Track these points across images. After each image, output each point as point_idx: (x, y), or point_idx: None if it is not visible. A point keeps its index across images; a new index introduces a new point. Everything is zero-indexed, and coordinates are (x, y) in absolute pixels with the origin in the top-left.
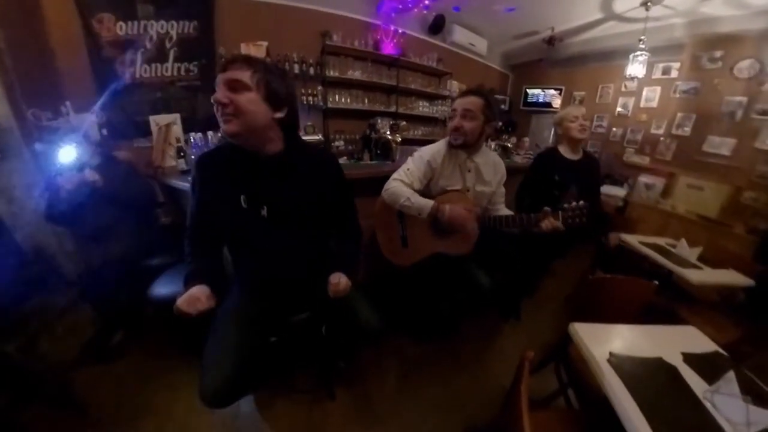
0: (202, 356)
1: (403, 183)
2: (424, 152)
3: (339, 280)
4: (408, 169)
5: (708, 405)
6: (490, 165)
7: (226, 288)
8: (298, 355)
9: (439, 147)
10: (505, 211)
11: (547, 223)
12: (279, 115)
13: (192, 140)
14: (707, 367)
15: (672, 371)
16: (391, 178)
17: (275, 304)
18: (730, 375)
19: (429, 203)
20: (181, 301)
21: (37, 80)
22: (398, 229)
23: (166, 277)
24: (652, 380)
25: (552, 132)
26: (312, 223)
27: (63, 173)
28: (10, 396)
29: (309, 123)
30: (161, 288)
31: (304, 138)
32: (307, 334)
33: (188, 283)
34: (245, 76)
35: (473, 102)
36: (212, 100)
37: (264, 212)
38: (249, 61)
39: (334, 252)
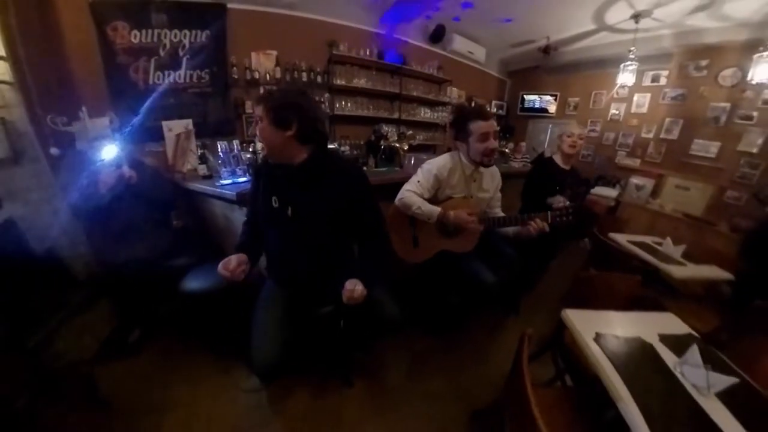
0: (250, 338)
1: (414, 193)
2: (432, 166)
3: (354, 287)
4: (418, 182)
5: (678, 374)
6: (489, 174)
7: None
8: (321, 345)
9: (444, 161)
10: (501, 214)
11: (534, 225)
12: (290, 132)
13: (219, 148)
14: (679, 345)
15: (649, 348)
16: (404, 188)
17: (301, 295)
18: (694, 348)
19: (436, 210)
20: (220, 265)
21: (54, 86)
22: (410, 232)
23: (193, 274)
24: (631, 355)
25: (546, 136)
26: (331, 226)
27: (103, 169)
28: (30, 395)
29: None
30: (191, 283)
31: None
32: (329, 326)
33: (235, 251)
34: (259, 110)
35: (495, 124)
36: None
37: (289, 212)
38: (263, 97)
39: (357, 259)
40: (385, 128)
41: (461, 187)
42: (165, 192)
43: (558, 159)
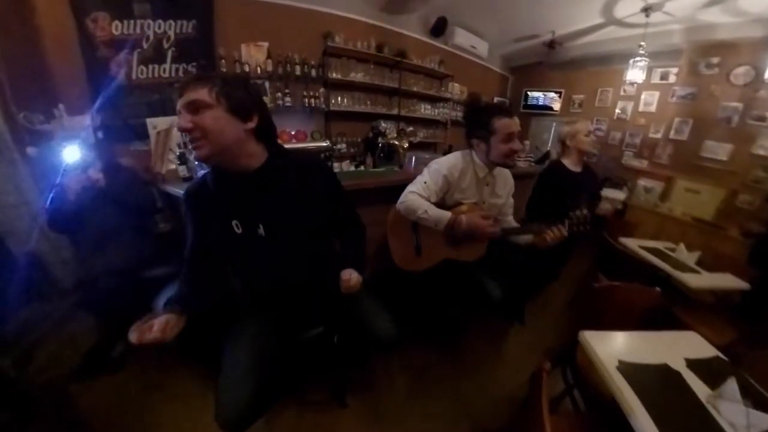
0: (219, 380)
1: (419, 196)
2: (441, 166)
3: (350, 276)
4: (425, 183)
5: (711, 409)
6: (502, 178)
7: (228, 313)
8: (311, 367)
9: (455, 161)
10: (513, 223)
11: (552, 234)
12: (250, 125)
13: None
14: (709, 372)
15: (677, 377)
16: (407, 190)
17: (287, 321)
18: (732, 381)
19: (446, 215)
20: (132, 329)
21: (29, 82)
22: (413, 239)
23: (171, 289)
24: (659, 386)
25: (550, 135)
26: (312, 231)
27: (68, 173)
28: (9, 414)
29: (315, 129)
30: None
31: (312, 145)
32: (321, 347)
33: (163, 309)
34: (203, 93)
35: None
36: (177, 129)
37: (261, 231)
38: (203, 78)
39: (341, 251)
40: (384, 125)
41: (472, 192)
42: (142, 196)
43: (568, 162)
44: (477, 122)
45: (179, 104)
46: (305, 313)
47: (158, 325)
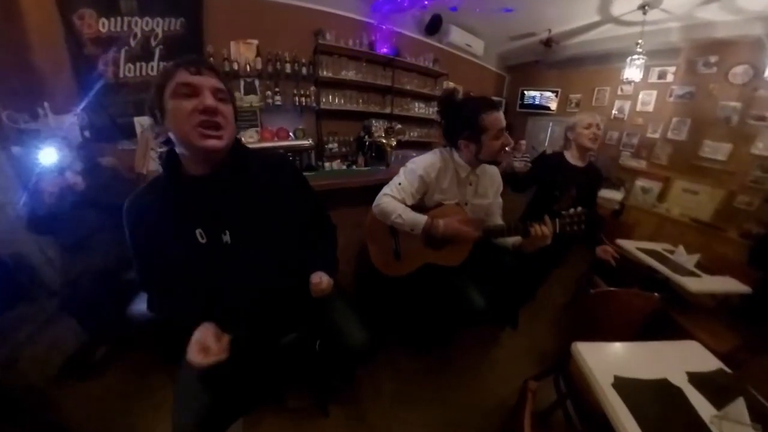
0: (174, 397)
1: (394, 198)
2: (417, 166)
3: (320, 279)
4: (399, 184)
5: (715, 430)
6: (488, 176)
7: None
8: (289, 375)
9: (432, 160)
10: (500, 222)
11: (537, 230)
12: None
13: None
14: (713, 387)
15: (678, 394)
16: (382, 192)
17: (258, 330)
18: (740, 401)
19: (422, 220)
20: (193, 354)
21: (13, 80)
22: (391, 243)
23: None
24: (657, 404)
25: (547, 134)
26: (281, 234)
27: (44, 176)
28: None
29: (300, 127)
30: (142, 305)
31: (295, 143)
32: (298, 354)
33: (183, 329)
34: (224, 87)
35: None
36: (200, 108)
37: (227, 238)
38: (218, 73)
39: (312, 253)
40: (376, 123)
41: (453, 192)
42: (124, 197)
43: (570, 155)
44: (460, 120)
45: (200, 82)
46: (276, 321)
47: (216, 346)
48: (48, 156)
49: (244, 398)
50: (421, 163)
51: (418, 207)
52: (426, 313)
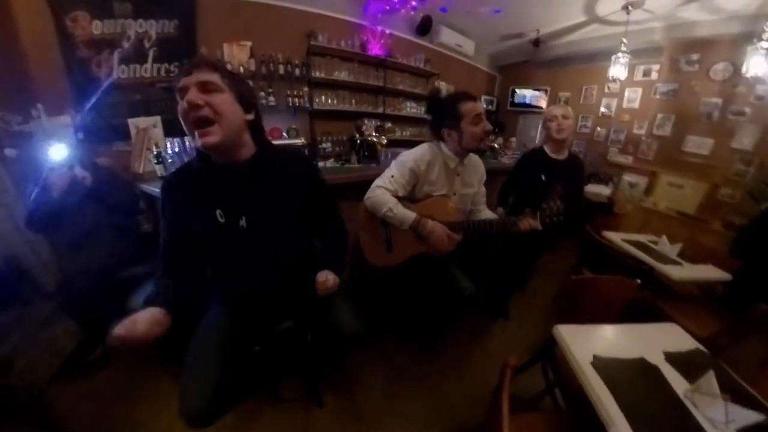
0: (182, 374)
1: (386, 191)
2: (408, 158)
3: (326, 278)
4: (392, 176)
5: (689, 404)
6: (472, 165)
7: (201, 306)
8: (284, 364)
9: (421, 152)
10: (486, 212)
11: (525, 224)
12: (249, 117)
13: (169, 146)
14: (688, 365)
15: (654, 371)
16: (374, 185)
17: (258, 315)
18: (710, 374)
19: (410, 216)
20: (118, 327)
21: (6, 82)
22: (383, 235)
23: (146, 288)
24: (634, 381)
25: (537, 132)
26: (293, 226)
27: (54, 171)
28: None
29: (293, 126)
30: (141, 300)
31: (287, 142)
32: (292, 343)
33: (144, 306)
34: (215, 78)
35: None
36: (184, 105)
37: (243, 222)
38: (215, 65)
39: (321, 251)
40: (368, 123)
41: (442, 183)
42: (124, 195)
43: (549, 149)
44: (444, 112)
45: (187, 81)
46: (277, 307)
47: (144, 323)
48: (58, 152)
49: (245, 383)
50: (412, 156)
51: (409, 198)
52: (418, 302)
